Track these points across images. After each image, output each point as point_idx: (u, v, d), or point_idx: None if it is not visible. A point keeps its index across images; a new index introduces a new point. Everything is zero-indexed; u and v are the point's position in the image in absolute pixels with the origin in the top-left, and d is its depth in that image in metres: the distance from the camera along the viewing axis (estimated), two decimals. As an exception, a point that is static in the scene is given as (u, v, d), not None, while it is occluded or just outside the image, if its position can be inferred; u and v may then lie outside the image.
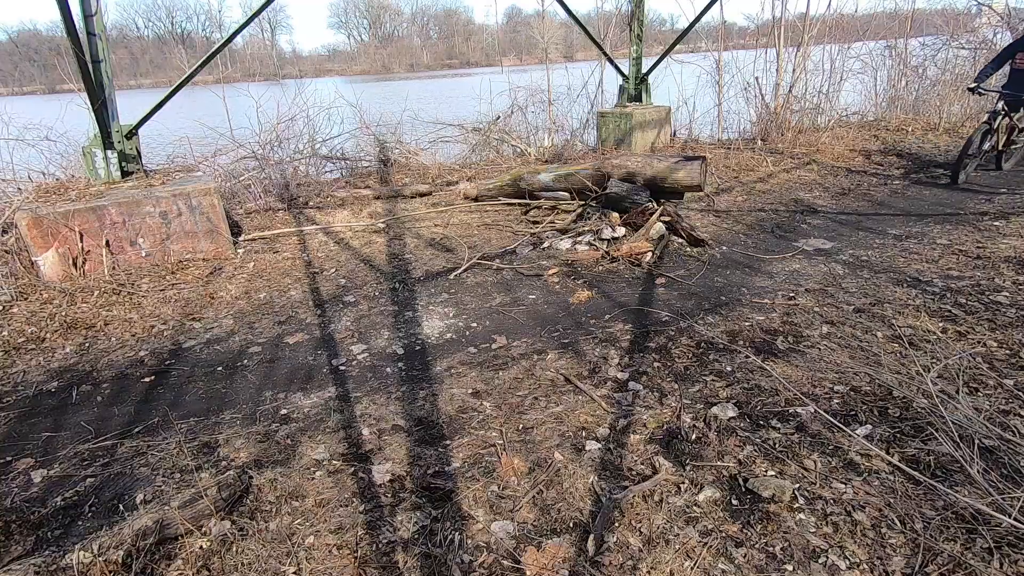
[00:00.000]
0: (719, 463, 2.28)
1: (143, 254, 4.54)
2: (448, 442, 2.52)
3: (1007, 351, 2.97)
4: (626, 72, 8.56)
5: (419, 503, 2.15)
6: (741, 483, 2.16)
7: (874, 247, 4.83)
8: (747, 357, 3.05)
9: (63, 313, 3.83)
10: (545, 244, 5.03)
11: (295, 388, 3.06)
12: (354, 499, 2.19)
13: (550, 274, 4.46)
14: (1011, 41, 6.91)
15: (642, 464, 2.32)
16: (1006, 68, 6.68)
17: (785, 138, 8.87)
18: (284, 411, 2.83)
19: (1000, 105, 6.36)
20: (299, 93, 7.51)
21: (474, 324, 3.73)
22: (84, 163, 4.89)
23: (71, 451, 2.58)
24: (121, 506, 2.20)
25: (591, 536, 1.94)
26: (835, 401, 2.64)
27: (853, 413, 2.54)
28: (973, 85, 6.41)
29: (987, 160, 6.96)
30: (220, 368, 3.30)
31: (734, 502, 2.08)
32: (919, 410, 2.48)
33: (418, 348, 3.45)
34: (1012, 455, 2.14)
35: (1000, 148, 6.74)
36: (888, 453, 2.27)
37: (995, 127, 6.38)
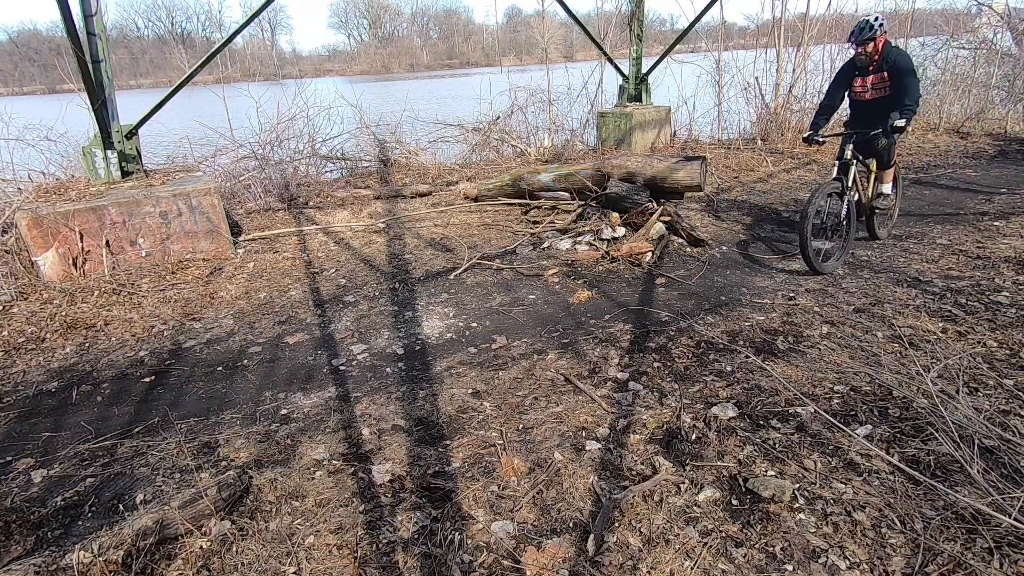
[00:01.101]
0: (719, 463, 2.28)
1: (143, 254, 4.54)
2: (448, 442, 2.52)
3: (1007, 351, 2.97)
4: (626, 72, 8.57)
5: (419, 503, 2.15)
6: (741, 483, 2.16)
7: (874, 247, 4.83)
8: (747, 357, 3.05)
9: (63, 313, 3.83)
10: (545, 244, 5.03)
11: (295, 388, 3.06)
12: (354, 499, 2.19)
13: (550, 274, 4.46)
14: (843, 64, 4.78)
15: (642, 464, 2.32)
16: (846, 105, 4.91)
17: (785, 138, 8.87)
18: (284, 411, 2.83)
19: (849, 153, 4.44)
20: (299, 93, 7.51)
21: (474, 324, 3.73)
22: (84, 163, 4.89)
23: (71, 451, 2.58)
24: (121, 506, 2.20)
25: (591, 536, 1.94)
26: (835, 401, 2.64)
27: (853, 413, 2.54)
28: (808, 134, 4.60)
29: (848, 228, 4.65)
30: (220, 368, 3.30)
31: (734, 502, 2.08)
32: (919, 410, 2.48)
33: (418, 348, 3.45)
34: (1012, 455, 2.14)
35: (869, 208, 4.85)
36: (888, 453, 2.27)
37: (849, 183, 4.45)
